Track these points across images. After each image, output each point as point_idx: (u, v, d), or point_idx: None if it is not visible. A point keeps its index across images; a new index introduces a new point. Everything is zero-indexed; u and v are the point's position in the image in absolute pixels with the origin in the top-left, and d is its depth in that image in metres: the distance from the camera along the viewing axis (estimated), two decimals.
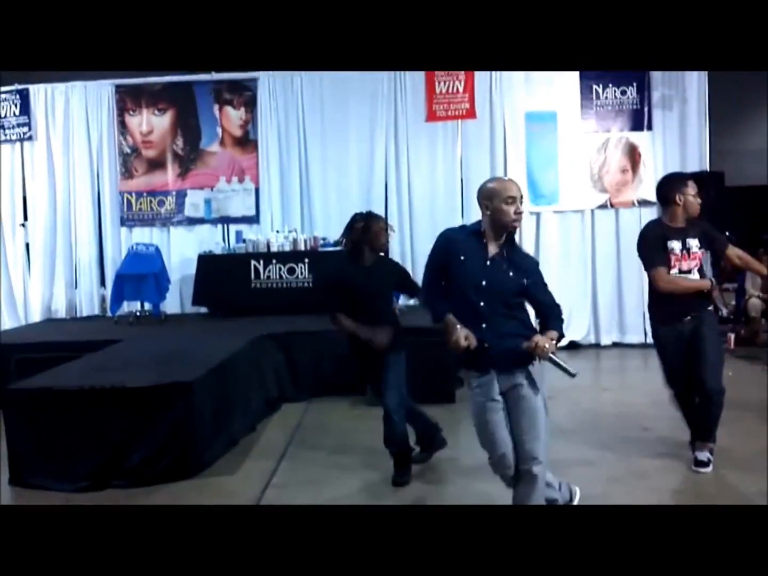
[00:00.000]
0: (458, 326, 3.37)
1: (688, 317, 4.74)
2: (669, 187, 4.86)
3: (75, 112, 9.72)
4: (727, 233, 8.04)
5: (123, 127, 9.74)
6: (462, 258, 3.43)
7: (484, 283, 3.38)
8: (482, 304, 3.38)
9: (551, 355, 3.29)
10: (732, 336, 9.12)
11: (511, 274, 3.40)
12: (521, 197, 3.44)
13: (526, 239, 9.56)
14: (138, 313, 9.11)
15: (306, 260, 8.85)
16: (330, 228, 9.25)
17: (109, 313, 9.30)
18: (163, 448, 4.93)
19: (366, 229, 4.75)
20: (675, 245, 4.76)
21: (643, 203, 9.45)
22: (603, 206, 9.58)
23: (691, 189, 4.80)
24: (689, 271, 4.77)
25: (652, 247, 4.82)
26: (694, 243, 4.77)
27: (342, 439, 5.09)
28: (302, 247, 9.03)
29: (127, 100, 9.71)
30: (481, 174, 9.41)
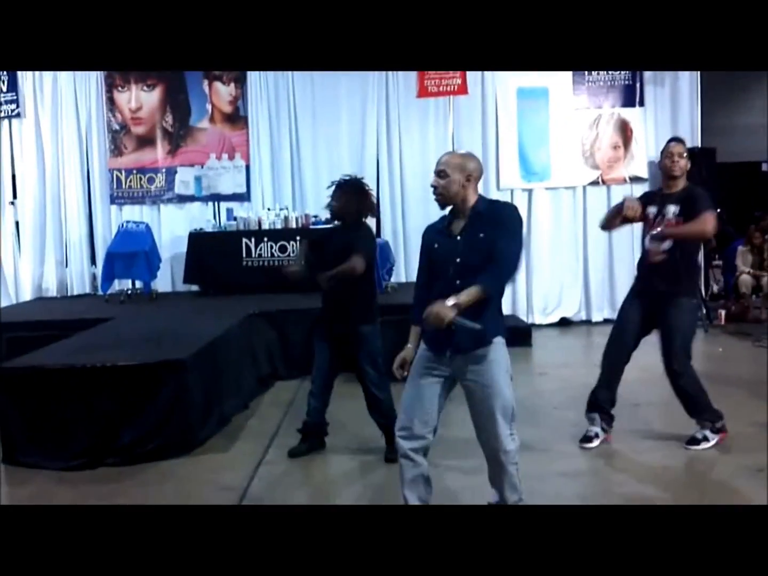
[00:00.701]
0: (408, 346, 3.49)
1: (654, 296, 4.69)
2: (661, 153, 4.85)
3: (63, 89, 9.61)
4: (718, 210, 8.02)
5: (112, 103, 9.64)
6: (436, 245, 3.43)
7: (458, 259, 3.31)
8: (458, 282, 3.26)
9: (453, 320, 3.10)
10: (723, 312, 9.18)
11: (482, 235, 3.28)
12: (440, 169, 3.37)
13: None
14: (129, 292, 9.07)
15: (297, 238, 8.78)
16: (321, 205, 9.12)
17: (99, 292, 9.26)
18: (155, 426, 4.93)
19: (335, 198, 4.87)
20: (651, 210, 4.71)
21: (635, 179, 9.47)
22: (594, 183, 9.59)
23: (670, 148, 4.71)
24: (660, 240, 4.65)
25: None
26: (671, 209, 4.62)
27: (334, 416, 5.10)
28: (294, 225, 8.98)
29: (116, 77, 9.60)
30: (473, 150, 9.36)
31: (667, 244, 4.65)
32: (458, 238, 3.35)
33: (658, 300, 4.68)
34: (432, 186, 3.40)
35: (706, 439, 4.79)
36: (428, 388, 3.40)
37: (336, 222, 5.01)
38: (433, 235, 3.50)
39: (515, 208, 3.46)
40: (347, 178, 4.94)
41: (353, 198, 4.81)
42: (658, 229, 4.66)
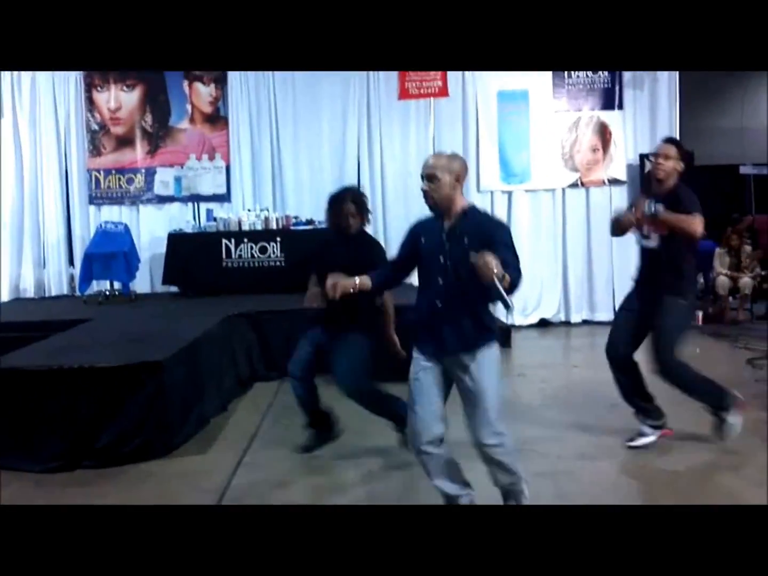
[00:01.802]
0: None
1: (646, 295, 4.73)
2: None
3: (42, 89, 9.53)
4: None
5: (90, 103, 9.57)
6: (423, 241, 3.43)
7: (442, 259, 3.34)
8: (440, 281, 3.34)
9: (495, 280, 2.94)
10: (700, 313, 9.24)
11: (466, 240, 3.26)
12: (429, 173, 3.29)
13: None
14: (107, 293, 9.01)
15: (278, 239, 8.81)
16: (302, 207, 9.23)
17: (77, 293, 9.19)
18: (133, 428, 4.90)
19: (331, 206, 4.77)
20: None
21: (614, 182, 9.54)
22: (574, 185, 9.64)
23: (657, 149, 4.76)
24: (647, 237, 4.72)
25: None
26: (659, 209, 4.60)
27: None
28: (274, 226, 8.98)
29: (95, 76, 9.53)
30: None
31: (653, 243, 4.69)
32: (444, 238, 3.35)
33: (651, 300, 4.69)
34: (423, 191, 3.34)
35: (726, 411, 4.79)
36: (430, 385, 3.43)
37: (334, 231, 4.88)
38: (421, 228, 3.50)
39: (508, 229, 3.47)
40: (350, 188, 4.91)
41: (363, 209, 4.73)
42: (653, 228, 4.65)
